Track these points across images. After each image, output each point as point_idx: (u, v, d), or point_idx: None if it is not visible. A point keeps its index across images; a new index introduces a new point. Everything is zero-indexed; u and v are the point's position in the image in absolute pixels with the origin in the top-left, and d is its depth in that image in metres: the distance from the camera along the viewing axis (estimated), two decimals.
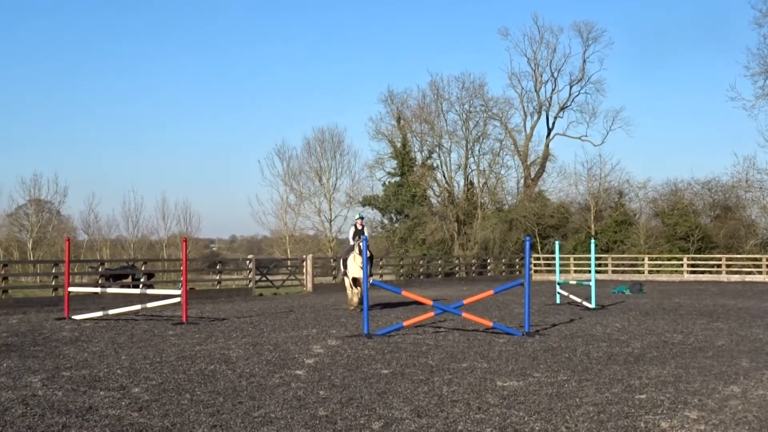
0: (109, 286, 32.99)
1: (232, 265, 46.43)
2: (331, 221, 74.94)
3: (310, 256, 42.54)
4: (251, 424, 9.36)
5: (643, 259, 58.79)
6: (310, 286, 41.20)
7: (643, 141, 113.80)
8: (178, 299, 22.52)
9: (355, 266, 25.81)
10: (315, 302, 31.76)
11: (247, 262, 40.32)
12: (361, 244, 23.09)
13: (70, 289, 24.73)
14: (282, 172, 77.25)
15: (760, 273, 54.99)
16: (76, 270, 43.37)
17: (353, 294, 26.43)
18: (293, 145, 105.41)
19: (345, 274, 26.80)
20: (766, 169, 67.10)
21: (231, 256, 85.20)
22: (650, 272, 57.59)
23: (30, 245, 74.91)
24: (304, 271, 41.84)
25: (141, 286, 34.40)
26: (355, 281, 26.04)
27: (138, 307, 23.23)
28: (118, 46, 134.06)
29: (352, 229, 26.75)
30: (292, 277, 42.36)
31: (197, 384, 12.11)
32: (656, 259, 59.87)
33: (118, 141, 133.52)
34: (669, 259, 59.91)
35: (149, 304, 23.09)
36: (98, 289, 27.57)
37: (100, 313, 23.03)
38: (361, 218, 27.00)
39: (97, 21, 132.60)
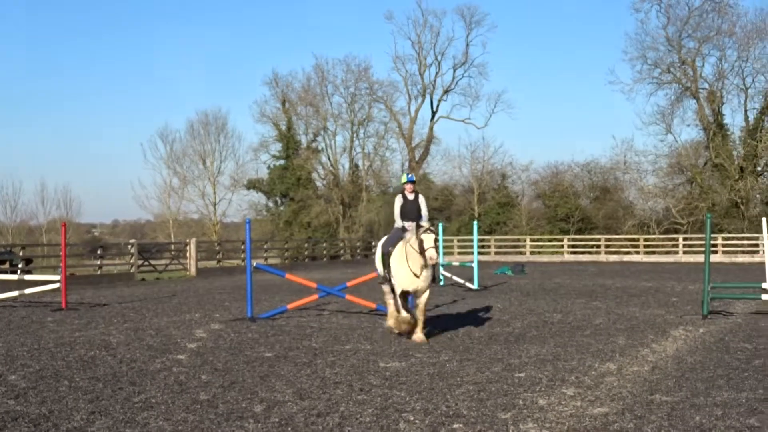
0: None
1: (113, 249, 45.74)
2: (215, 205, 74.52)
3: (193, 240, 42.14)
4: (131, 409, 9.25)
5: (525, 240, 59.80)
6: (193, 270, 40.82)
7: (525, 124, 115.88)
8: (57, 285, 22.08)
9: (406, 268, 14.95)
10: (199, 286, 31.48)
11: (129, 246, 39.72)
12: (421, 231, 14.67)
13: None
14: (165, 155, 76.49)
15: (637, 253, 56.44)
16: None
17: (399, 320, 15.19)
18: (176, 128, 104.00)
19: (387, 278, 15.65)
20: (643, 151, 68.86)
21: (113, 240, 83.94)
22: (532, 253, 58.60)
23: None
24: (188, 255, 41.43)
25: (19, 271, 33.64)
26: (405, 293, 15.40)
27: (15, 293, 22.69)
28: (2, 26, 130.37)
29: (399, 201, 16.03)
30: (176, 262, 41.91)
31: (76, 370, 11.91)
32: (538, 240, 60.97)
33: None
34: (550, 240, 61.10)
35: (27, 290, 22.63)
36: None
37: None
38: (412, 180, 16.12)
39: None
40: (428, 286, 15.05)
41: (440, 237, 31.15)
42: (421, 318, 14.97)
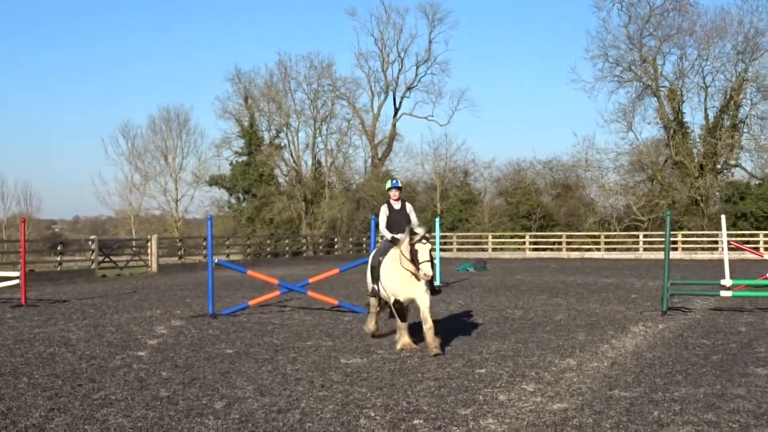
0: None
1: (74, 246, 45.27)
2: (177, 201, 74.11)
3: (155, 237, 41.91)
4: (90, 406, 9.19)
5: (487, 237, 60.03)
6: (155, 266, 40.60)
7: (488, 121, 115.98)
8: (16, 281, 21.91)
9: (400, 272, 13.16)
10: (160, 283, 31.33)
11: (90, 242, 39.43)
12: (415, 239, 12.76)
13: None
14: (126, 151, 75.98)
15: (598, 250, 56.90)
16: None
17: (402, 338, 13.52)
18: (138, 123, 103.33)
19: (375, 292, 14.11)
20: (604, 149, 69.44)
21: (74, 237, 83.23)
22: (494, 250, 58.87)
23: None
24: (149, 251, 41.20)
25: None
26: (399, 309, 13.39)
27: None
28: None
29: (384, 212, 14.46)
30: (137, 258, 41.67)
31: (35, 367, 11.83)
32: (500, 237, 61.22)
33: None
34: (512, 237, 61.39)
35: None
36: None
37: None
38: (397, 186, 14.68)
39: None
40: (426, 290, 13.07)
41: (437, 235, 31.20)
42: (428, 326, 12.84)
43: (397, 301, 13.23)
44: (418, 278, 12.86)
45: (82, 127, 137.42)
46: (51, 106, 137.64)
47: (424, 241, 12.62)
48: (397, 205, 14.39)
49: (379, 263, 13.69)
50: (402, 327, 13.45)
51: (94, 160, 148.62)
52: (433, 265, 12.73)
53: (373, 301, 14.64)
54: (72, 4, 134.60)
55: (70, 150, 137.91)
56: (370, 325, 14.77)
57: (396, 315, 13.45)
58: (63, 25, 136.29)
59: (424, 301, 13.02)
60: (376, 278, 13.88)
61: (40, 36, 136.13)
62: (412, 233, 12.77)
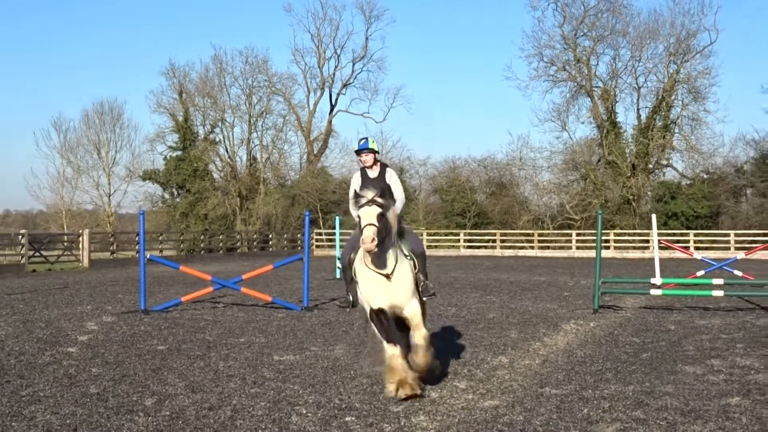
0: None
1: (4, 240, 44.60)
2: (110, 195, 73.26)
3: (86, 231, 41.45)
4: (18, 403, 9.07)
5: (422, 234, 60.19)
6: (86, 261, 40.15)
7: (423, 119, 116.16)
8: None
9: (369, 277, 9.66)
10: (91, 278, 30.98)
11: (20, 237, 38.87)
12: (361, 202, 9.52)
13: None
14: (58, 144, 74.94)
15: (532, 248, 57.42)
16: None
17: (394, 374, 9.43)
18: (71, 116, 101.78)
19: (351, 302, 10.35)
20: (538, 147, 70.23)
21: (3, 231, 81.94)
22: (429, 247, 58.89)
23: None
24: (81, 246, 40.73)
25: None
26: (381, 325, 9.72)
27: None
28: None
29: (356, 180, 10.94)
30: (68, 253, 41.15)
31: None
32: (434, 235, 61.48)
33: None
34: (446, 235, 61.70)
35: None
36: None
37: None
38: (366, 148, 10.96)
39: None
40: (414, 293, 9.78)
41: (337, 230, 31.30)
42: (420, 335, 9.61)
43: (373, 312, 9.65)
44: (391, 274, 9.47)
45: (12, 119, 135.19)
46: None
47: (372, 204, 9.37)
48: (373, 173, 10.92)
49: (350, 261, 10.14)
50: (392, 355, 9.48)
51: (25, 154, 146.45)
52: (385, 233, 9.34)
53: (358, 306, 10.27)
54: None
55: (0, 143, 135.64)
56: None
57: (378, 333, 9.76)
58: None
59: (411, 308, 9.66)
60: (351, 279, 10.20)
61: None
62: (357, 197, 9.56)
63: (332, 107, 74.15)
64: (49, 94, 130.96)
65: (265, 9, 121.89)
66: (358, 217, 9.44)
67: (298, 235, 60.97)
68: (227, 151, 71.67)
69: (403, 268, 9.67)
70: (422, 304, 10.03)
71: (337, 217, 33.41)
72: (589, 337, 14.68)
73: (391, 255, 9.57)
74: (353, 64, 74.41)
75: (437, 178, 70.80)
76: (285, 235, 61.50)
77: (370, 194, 9.46)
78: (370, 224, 9.24)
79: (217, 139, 71.68)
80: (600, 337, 14.56)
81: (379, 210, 9.37)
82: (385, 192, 9.91)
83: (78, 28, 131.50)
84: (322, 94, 73.87)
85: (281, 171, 72.84)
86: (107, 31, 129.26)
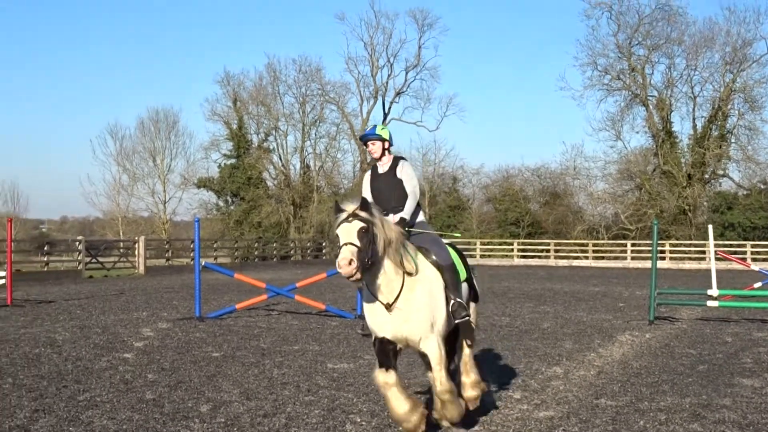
0: None
1: (61, 246, 45.18)
2: (165, 203, 73.83)
3: (142, 238, 41.87)
4: (75, 407, 9.17)
5: (475, 244, 60.03)
6: (142, 268, 40.54)
7: (476, 128, 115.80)
8: (2, 281, 21.87)
9: (372, 309, 7.91)
10: (147, 285, 31.26)
11: (77, 243, 39.36)
12: (341, 218, 7.60)
13: None
14: (115, 151, 75.57)
15: (586, 258, 56.94)
16: None
17: (387, 390, 7.89)
18: (126, 124, 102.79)
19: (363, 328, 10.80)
20: (592, 157, 69.60)
21: (61, 237, 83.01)
22: (482, 256, 58.83)
23: None
24: (137, 253, 41.14)
25: None
26: (388, 345, 7.96)
27: None
28: None
29: (367, 180, 9.22)
30: (124, 260, 41.58)
31: (21, 368, 11.79)
32: (488, 244, 61.27)
33: None
34: (500, 244, 61.43)
35: None
36: None
37: None
38: (373, 136, 9.00)
39: None
40: (431, 329, 7.81)
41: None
42: (440, 391, 7.93)
43: (377, 341, 7.98)
44: (392, 302, 7.70)
45: (70, 127, 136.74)
46: (40, 105, 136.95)
47: (352, 219, 7.52)
48: (383, 167, 9.04)
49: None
50: (384, 383, 7.89)
51: (82, 161, 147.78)
52: (371, 253, 7.49)
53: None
54: (63, 6, 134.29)
55: (58, 150, 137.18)
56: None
57: (384, 359, 7.96)
58: (53, 25, 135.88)
59: (427, 345, 7.81)
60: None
61: (30, 36, 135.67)
62: (338, 210, 7.67)
63: (385, 116, 74.22)
64: (106, 102, 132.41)
65: (318, 17, 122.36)
66: (336, 236, 7.56)
67: None
68: (281, 159, 71.99)
69: (414, 295, 7.73)
70: (467, 328, 8.96)
71: None
72: (645, 348, 14.55)
73: (391, 277, 7.71)
74: (406, 73, 74.43)
75: (490, 187, 70.57)
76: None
77: (350, 207, 7.63)
78: (347, 243, 7.40)
79: (271, 147, 72.02)
80: (656, 349, 14.42)
81: (361, 225, 7.49)
82: (369, 205, 7.68)
83: (134, 37, 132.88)
84: (375, 102, 74.01)
85: (334, 179, 73.01)
86: (162, 40, 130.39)
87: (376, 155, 8.96)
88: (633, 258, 55.69)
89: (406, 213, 8.60)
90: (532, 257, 59.15)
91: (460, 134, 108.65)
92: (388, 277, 7.68)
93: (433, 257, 8.22)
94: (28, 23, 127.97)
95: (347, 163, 74.51)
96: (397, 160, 8.98)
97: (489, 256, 59.56)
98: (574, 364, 12.59)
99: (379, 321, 7.83)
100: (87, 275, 37.15)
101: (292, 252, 58.23)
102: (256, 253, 55.00)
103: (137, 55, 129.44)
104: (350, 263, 7.28)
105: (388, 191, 8.82)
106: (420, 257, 8.09)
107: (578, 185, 69.28)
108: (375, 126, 9.08)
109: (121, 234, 70.09)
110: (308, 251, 59.02)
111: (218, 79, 74.06)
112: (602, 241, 60.96)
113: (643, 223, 62.50)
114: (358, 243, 7.37)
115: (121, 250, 43.33)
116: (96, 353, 13.25)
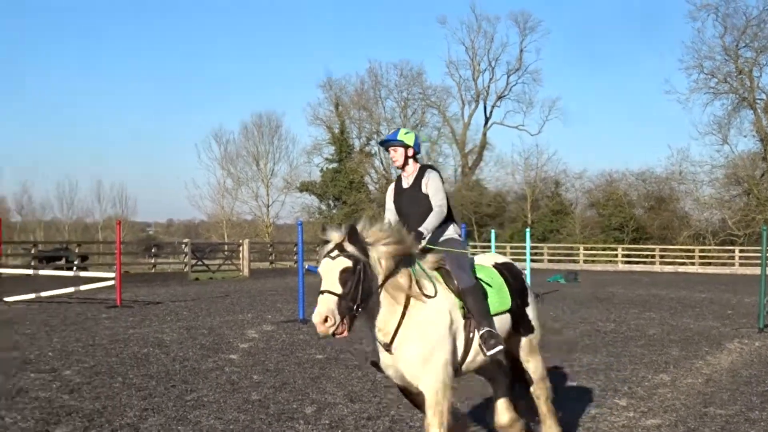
0: (42, 268, 32.49)
1: (167, 248, 46.11)
2: (268, 206, 74.78)
3: (246, 241, 42.43)
4: (183, 407, 9.32)
5: (579, 249, 59.40)
6: (246, 271, 41.07)
7: (579, 132, 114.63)
8: (112, 282, 22.31)
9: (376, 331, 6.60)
10: (251, 287, 31.64)
11: (183, 246, 40.07)
12: (325, 250, 6.30)
13: (1, 270, 24.38)
14: (219, 156, 76.86)
15: (692, 264, 55.87)
16: (9, 252, 42.74)
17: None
18: (230, 129, 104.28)
19: (375, 362, 6.98)
20: (699, 161, 68.11)
21: (167, 239, 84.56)
22: (585, 262, 58.19)
23: None
24: (241, 256, 41.71)
25: (74, 268, 34.02)
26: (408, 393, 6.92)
27: (71, 289, 22.93)
28: (50, 33, 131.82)
29: (390, 193, 7.69)
30: (229, 262, 42.17)
31: (130, 367, 12.03)
32: (591, 249, 60.56)
33: (53, 123, 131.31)
34: (604, 249, 60.66)
35: (83, 287, 22.83)
36: (30, 271, 27.10)
37: (32, 296, 22.59)
38: (395, 141, 7.46)
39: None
40: (421, 365, 6.47)
41: (492, 244, 31.03)
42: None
43: (403, 390, 7.01)
44: (390, 340, 6.51)
45: (176, 132, 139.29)
46: (147, 111, 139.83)
47: (335, 253, 6.22)
48: (407, 179, 7.65)
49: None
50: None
51: (187, 165, 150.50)
52: (359, 298, 6.18)
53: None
54: (170, 10, 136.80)
55: (165, 154, 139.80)
56: None
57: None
58: (160, 34, 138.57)
59: (425, 385, 6.49)
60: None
61: (140, 45, 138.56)
62: (322, 243, 6.44)
63: (487, 119, 74.13)
64: (211, 107, 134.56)
65: (419, 22, 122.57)
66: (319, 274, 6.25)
67: None
68: (382, 164, 72.32)
69: (408, 330, 6.45)
70: (534, 371, 8.11)
71: (492, 231, 33.24)
72: (755, 356, 14.23)
73: (389, 315, 6.46)
74: (508, 77, 74.24)
75: (593, 191, 69.73)
76: None
77: (335, 236, 6.27)
78: (324, 292, 6.11)
79: (373, 152, 72.38)
80: (766, 357, 14.09)
81: (345, 264, 6.14)
82: (358, 235, 6.27)
83: (238, 43, 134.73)
84: (476, 106, 73.95)
85: None
86: (265, 45, 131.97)
87: (398, 164, 7.57)
88: (741, 264, 54.45)
89: (424, 227, 7.13)
90: (637, 263, 58.21)
91: (562, 138, 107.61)
92: (384, 315, 6.44)
93: (454, 281, 6.82)
94: (138, 33, 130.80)
95: (448, 167, 74.55)
96: (423, 170, 7.60)
97: (593, 261, 58.86)
98: (682, 372, 12.37)
99: (384, 364, 6.73)
100: (193, 277, 37.76)
101: None
102: None
103: (241, 61, 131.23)
104: (325, 321, 6.01)
105: (413, 209, 7.38)
106: (438, 280, 6.75)
107: (684, 190, 68.00)
108: (398, 130, 7.69)
109: (225, 237, 71.13)
110: None
111: (321, 83, 74.90)
112: (709, 247, 59.74)
113: (751, 228, 61.04)
114: (338, 290, 6.07)
115: (226, 253, 43.96)
116: (202, 354, 13.46)
